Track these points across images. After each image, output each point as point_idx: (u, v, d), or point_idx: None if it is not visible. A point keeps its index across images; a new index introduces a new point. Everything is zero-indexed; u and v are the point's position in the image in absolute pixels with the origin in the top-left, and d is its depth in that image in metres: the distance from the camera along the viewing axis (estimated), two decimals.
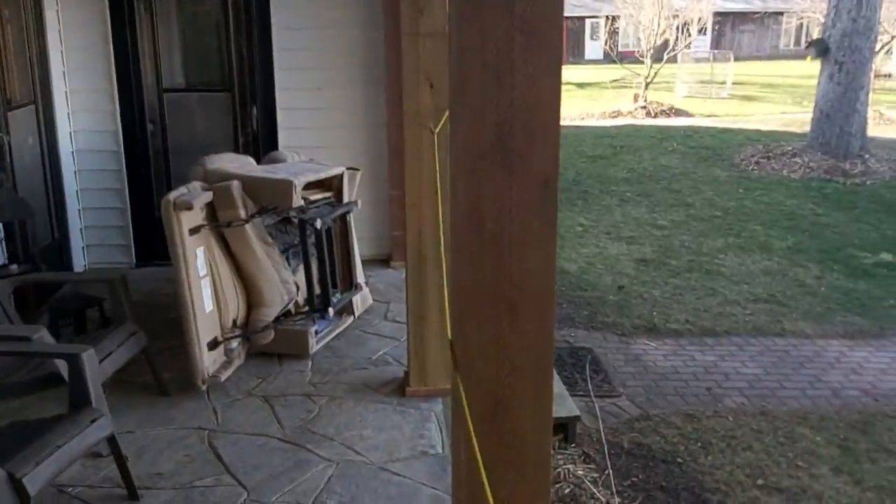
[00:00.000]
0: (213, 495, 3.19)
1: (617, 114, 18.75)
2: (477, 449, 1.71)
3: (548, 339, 1.70)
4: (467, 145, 1.62)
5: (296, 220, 4.71)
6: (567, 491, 3.73)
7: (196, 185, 4.29)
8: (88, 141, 6.14)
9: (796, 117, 17.58)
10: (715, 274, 7.28)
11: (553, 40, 1.52)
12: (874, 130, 14.35)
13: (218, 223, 4.31)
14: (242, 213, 4.30)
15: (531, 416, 1.72)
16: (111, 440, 3.09)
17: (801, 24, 33.55)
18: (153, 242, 6.24)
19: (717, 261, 7.69)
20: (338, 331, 4.91)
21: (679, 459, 4.15)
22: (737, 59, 25.75)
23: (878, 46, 15.30)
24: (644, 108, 18.79)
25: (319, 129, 6.23)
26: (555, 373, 5.00)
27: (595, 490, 3.71)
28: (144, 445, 3.58)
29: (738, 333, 5.94)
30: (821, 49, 12.68)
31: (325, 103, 6.20)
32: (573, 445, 4.20)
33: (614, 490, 3.75)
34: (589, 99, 21.88)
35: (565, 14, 2.40)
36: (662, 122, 17.50)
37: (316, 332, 4.65)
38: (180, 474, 3.34)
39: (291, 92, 6.20)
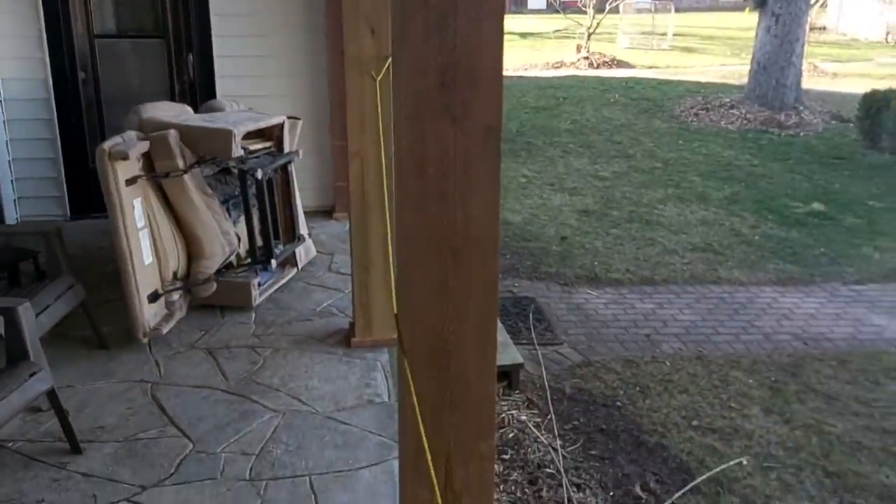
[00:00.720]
0: (157, 447, 3.17)
1: (560, 64, 18.75)
2: (423, 393, 1.74)
3: (491, 285, 1.72)
4: (409, 91, 1.60)
5: (236, 171, 4.63)
6: (511, 435, 3.81)
7: (131, 134, 4.17)
8: (17, 89, 5.89)
9: (734, 69, 17.84)
10: (654, 224, 7.42)
11: None
12: (808, 83, 14.68)
13: (155, 174, 4.20)
14: (180, 163, 4.20)
15: (475, 360, 1.75)
16: (51, 394, 3.04)
17: None
18: (88, 194, 6.07)
19: (656, 211, 7.84)
20: (281, 283, 4.88)
21: (618, 403, 4.27)
22: (677, 10, 25.91)
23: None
24: (587, 59, 18.82)
25: (258, 77, 6.09)
26: (499, 322, 5.06)
27: (538, 434, 3.80)
28: (85, 399, 3.53)
29: (675, 282, 6.09)
30: (758, 0, 12.84)
31: (265, 50, 6.06)
32: (517, 392, 4.28)
33: (556, 433, 3.85)
34: (532, 49, 21.81)
35: None
36: (605, 73, 17.57)
37: (259, 284, 4.61)
38: (123, 427, 3.31)
39: (229, 39, 6.03)
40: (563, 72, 17.85)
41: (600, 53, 19.33)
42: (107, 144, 3.88)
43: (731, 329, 5.28)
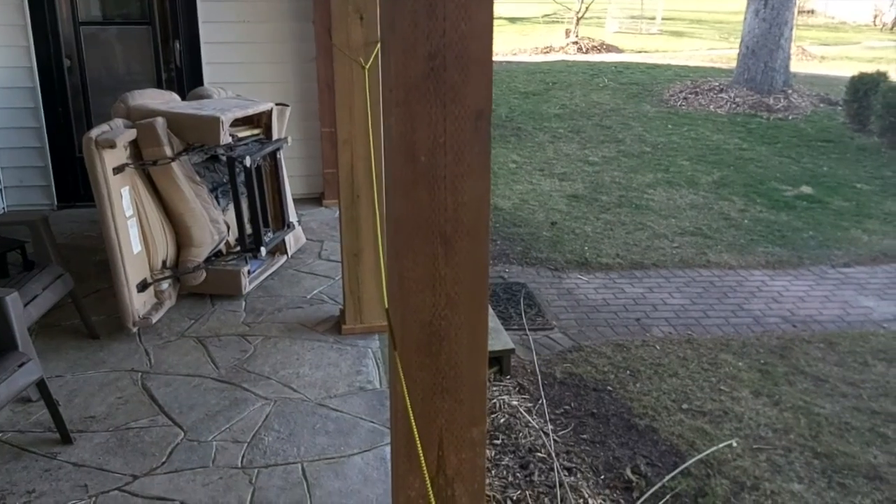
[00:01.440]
0: (148, 436, 3.16)
1: (549, 49, 18.70)
2: (414, 379, 1.74)
3: (482, 271, 1.72)
4: (399, 76, 1.59)
5: (224, 158, 4.60)
6: (503, 420, 3.82)
7: (118, 122, 4.14)
8: (1, 78, 5.83)
9: (723, 53, 17.85)
10: (644, 209, 7.44)
11: None
12: (797, 66, 14.69)
13: (143, 162, 4.18)
14: (168, 151, 4.18)
15: (467, 345, 1.75)
16: (41, 384, 3.03)
17: None
18: (75, 183, 6.03)
19: (646, 196, 7.85)
20: (271, 270, 4.86)
21: (609, 387, 4.29)
22: None
23: None
24: (576, 43, 18.77)
25: (246, 63, 6.05)
26: (490, 307, 5.06)
27: (529, 418, 3.82)
28: (75, 389, 3.52)
29: (665, 266, 6.11)
30: None
31: (252, 37, 6.01)
32: (508, 377, 4.30)
33: (548, 418, 3.87)
34: (520, 34, 21.74)
35: None
36: (594, 57, 17.53)
37: (248, 272, 4.59)
38: (114, 416, 3.30)
39: (216, 25, 5.98)
40: (551, 57, 17.80)
41: (589, 38, 19.29)
42: (94, 132, 3.85)
43: (720, 312, 5.31)
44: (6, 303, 2.99)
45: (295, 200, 5.41)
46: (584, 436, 3.84)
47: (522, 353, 4.57)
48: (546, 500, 3.22)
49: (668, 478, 3.44)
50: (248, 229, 4.59)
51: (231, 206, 4.62)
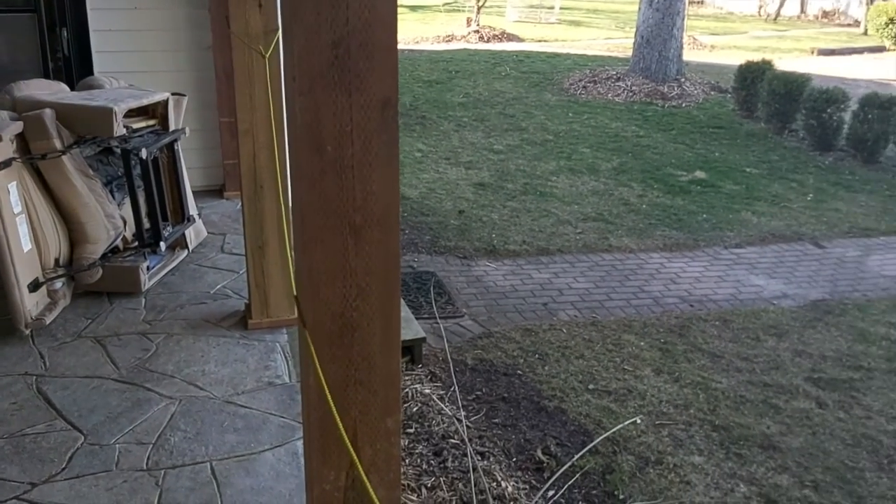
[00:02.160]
0: (46, 442, 3.02)
1: (450, 38, 18.77)
2: (326, 372, 1.72)
3: (393, 261, 1.71)
4: (303, 65, 1.56)
5: (118, 151, 4.42)
6: (416, 409, 3.84)
7: (3, 114, 3.91)
8: None
9: (619, 42, 18.36)
10: (548, 196, 7.58)
11: None
12: (689, 55, 15.26)
13: (31, 155, 3.96)
14: (58, 144, 3.97)
15: (379, 336, 1.74)
16: None
17: None
18: None
19: (550, 183, 8.00)
20: (171, 266, 4.71)
21: (519, 371, 4.37)
22: None
23: None
24: (477, 32, 18.92)
25: (139, 52, 5.81)
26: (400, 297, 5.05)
27: (442, 406, 3.84)
28: None
29: (570, 251, 6.26)
30: None
31: (144, 24, 5.78)
32: (420, 366, 4.31)
33: (460, 404, 3.90)
34: (422, 23, 21.74)
35: None
36: (495, 46, 17.71)
37: (148, 268, 4.43)
38: (8, 423, 3.13)
39: (105, 12, 5.72)
40: (453, 45, 17.88)
41: (490, 27, 19.47)
42: None
43: (622, 295, 5.48)
44: None
45: (195, 193, 5.25)
46: (496, 420, 3.90)
47: (434, 341, 4.59)
48: (460, 485, 3.26)
49: (576, 457, 3.53)
50: (146, 224, 4.43)
51: (127, 201, 4.44)
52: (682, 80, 13.05)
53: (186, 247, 4.92)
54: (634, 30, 13.76)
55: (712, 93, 12.75)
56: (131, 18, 5.75)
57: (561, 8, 23.81)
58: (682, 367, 4.48)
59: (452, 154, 8.99)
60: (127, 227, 4.47)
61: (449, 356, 4.34)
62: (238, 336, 3.94)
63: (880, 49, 18.96)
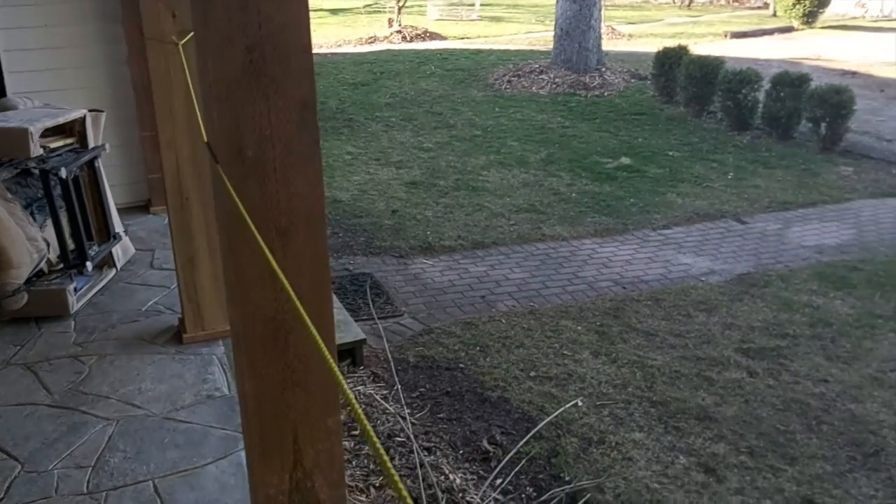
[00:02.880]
0: None
1: (373, 39, 18.73)
2: (263, 376, 1.72)
3: (322, 260, 1.72)
4: (218, 72, 1.56)
5: (37, 171, 4.30)
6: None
7: None
8: None
9: (540, 36, 18.60)
10: (480, 190, 7.65)
11: None
12: (608, 45, 15.56)
13: None
14: None
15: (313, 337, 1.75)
16: None
17: None
18: None
19: (481, 177, 8.07)
20: (100, 285, 4.61)
21: (461, 365, 4.41)
22: None
23: None
24: (399, 32, 18.92)
25: (53, 70, 5.65)
26: (337, 300, 5.05)
27: (386, 405, 3.86)
28: None
29: (504, 243, 6.33)
30: None
31: (57, 42, 5.62)
32: (362, 368, 4.31)
33: (404, 402, 3.92)
34: (343, 26, 21.62)
35: None
36: (418, 45, 17.75)
37: (75, 290, 4.33)
38: None
39: (15, 31, 5.54)
40: (376, 46, 17.85)
41: (412, 26, 19.49)
42: None
43: (558, 282, 5.58)
44: None
45: (119, 210, 5.14)
46: (441, 415, 3.93)
47: (374, 342, 4.60)
48: (408, 481, 3.28)
49: (521, 444, 3.59)
50: (71, 244, 4.32)
51: (49, 222, 4.33)
52: (603, 69, 13.31)
53: (114, 265, 4.82)
54: (554, 23, 13.97)
55: (632, 80, 13.03)
56: (43, 36, 5.58)
57: (481, 4, 23.99)
58: (618, 347, 4.59)
59: (382, 154, 8.99)
60: (51, 249, 4.35)
61: (390, 356, 4.36)
62: (173, 351, 3.88)
63: (789, 29, 19.67)
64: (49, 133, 4.37)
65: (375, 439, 1.00)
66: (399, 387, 4.08)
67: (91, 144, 4.69)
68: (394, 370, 4.26)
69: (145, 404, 3.40)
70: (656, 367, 4.35)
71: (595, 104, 11.62)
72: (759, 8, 24.83)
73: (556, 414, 3.82)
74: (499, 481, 3.36)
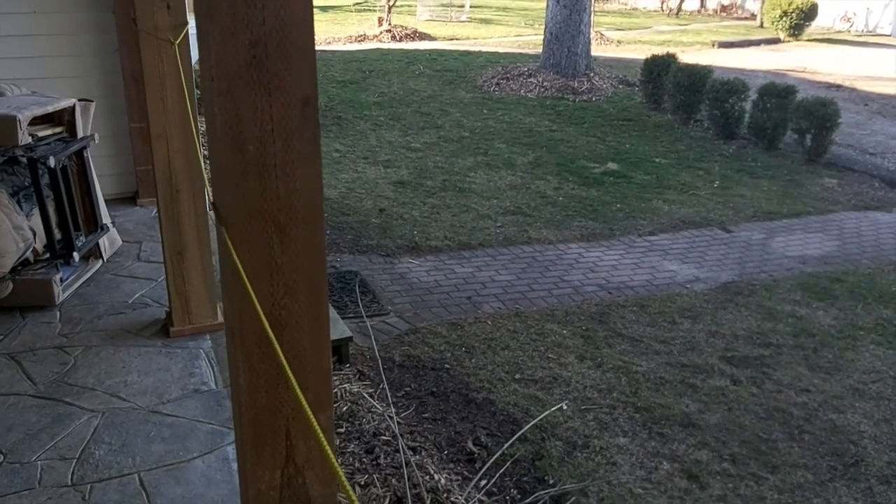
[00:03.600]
0: None
1: (363, 38, 18.71)
2: (257, 372, 1.72)
3: (320, 257, 1.72)
4: (221, 66, 1.56)
5: (24, 160, 4.26)
6: (345, 408, 3.84)
7: None
8: None
9: (530, 39, 18.66)
10: (467, 191, 7.67)
11: None
12: (597, 50, 15.64)
13: None
14: None
15: (309, 333, 1.75)
16: None
17: None
18: None
19: (468, 179, 8.09)
20: (86, 276, 4.57)
21: (447, 365, 4.42)
22: None
23: None
24: (389, 31, 18.91)
25: (42, 57, 5.60)
26: None
27: (372, 403, 3.86)
28: None
29: (491, 245, 6.35)
30: None
31: (47, 29, 5.57)
32: (348, 365, 4.31)
33: (390, 401, 3.92)
34: (333, 23, 21.59)
35: None
36: (407, 45, 17.75)
37: (61, 280, 4.29)
38: None
39: (2, 17, 5.49)
40: (366, 45, 17.83)
41: (402, 26, 19.50)
42: None
43: (543, 285, 5.60)
44: None
45: (107, 201, 5.11)
46: (426, 415, 3.94)
47: (360, 340, 4.60)
48: (393, 480, 3.28)
49: (506, 445, 3.60)
50: (57, 234, 4.29)
51: (36, 211, 4.29)
52: (592, 74, 13.37)
53: (101, 256, 4.78)
54: (543, 27, 14.01)
55: (620, 86, 13.10)
56: (30, 23, 5.53)
57: (471, 6, 24.02)
58: (603, 352, 4.61)
59: (370, 153, 8.99)
60: (37, 239, 4.31)
61: (377, 354, 4.36)
62: (160, 345, 3.86)
63: (776, 40, 19.86)
64: (37, 121, 4.34)
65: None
66: (385, 385, 4.08)
67: (80, 134, 4.66)
68: (380, 368, 4.26)
69: (131, 397, 3.38)
70: (641, 373, 4.38)
71: (583, 109, 11.67)
72: (746, 19, 25.04)
73: (541, 417, 3.84)
74: (483, 482, 3.37)
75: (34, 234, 4.28)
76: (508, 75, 13.47)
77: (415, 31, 19.31)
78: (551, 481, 3.43)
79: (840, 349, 4.77)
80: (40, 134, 4.36)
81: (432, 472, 3.39)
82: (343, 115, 10.81)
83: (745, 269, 6.03)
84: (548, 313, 5.13)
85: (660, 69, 11.28)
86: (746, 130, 9.83)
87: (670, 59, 11.28)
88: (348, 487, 1.10)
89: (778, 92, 9.37)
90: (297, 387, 1.76)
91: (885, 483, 3.54)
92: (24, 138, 4.01)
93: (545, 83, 12.89)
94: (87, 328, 4.01)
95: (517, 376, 4.31)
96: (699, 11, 27.18)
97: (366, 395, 3.90)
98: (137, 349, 3.81)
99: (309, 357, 1.78)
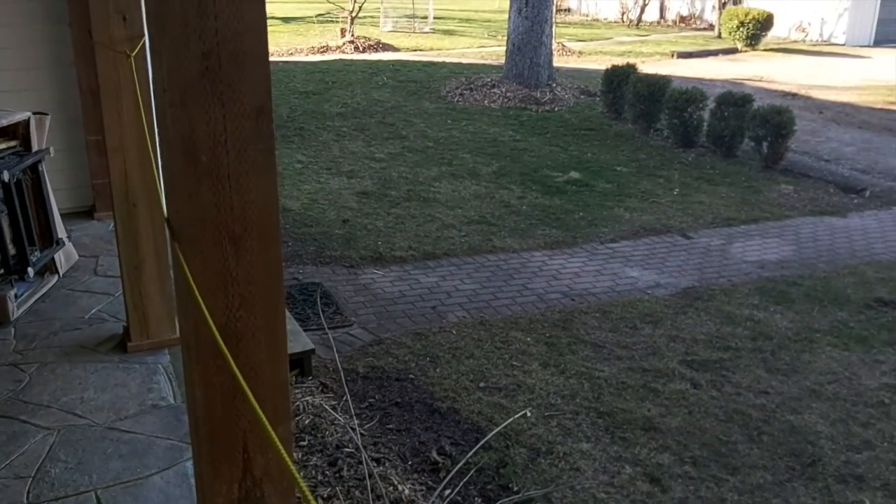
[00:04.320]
0: None
1: (325, 49, 18.67)
2: (213, 385, 1.70)
3: (276, 269, 1.71)
4: (173, 77, 1.55)
5: None
6: (308, 421, 3.81)
7: None
8: None
9: (492, 50, 18.77)
10: (432, 201, 7.68)
11: None
12: (559, 61, 15.79)
13: None
14: None
15: (265, 345, 1.74)
16: None
17: None
18: None
19: (432, 189, 8.10)
20: (41, 292, 4.49)
21: (411, 375, 4.41)
22: None
23: None
24: (352, 42, 18.90)
25: None
26: (286, 310, 4.99)
27: (335, 415, 3.83)
28: None
29: (455, 254, 6.36)
30: None
31: (0, 41, 5.48)
32: (311, 378, 4.28)
33: (353, 413, 3.90)
34: (296, 34, 21.51)
35: None
36: (371, 56, 17.75)
37: (16, 296, 4.21)
38: None
39: None
40: (329, 56, 17.79)
41: (365, 37, 19.49)
42: None
43: (508, 293, 5.62)
44: None
45: (63, 215, 5.03)
46: (390, 426, 3.92)
47: (323, 352, 4.57)
48: (357, 492, 3.26)
49: (470, 454, 3.60)
50: (12, 249, 4.21)
51: None
52: (554, 85, 13.48)
53: (57, 272, 4.71)
54: (506, 38, 14.11)
55: (582, 97, 13.23)
56: None
57: (434, 18, 24.12)
58: (567, 358, 4.64)
59: (333, 164, 8.96)
60: None
61: (339, 366, 4.34)
62: (117, 360, 3.80)
63: (733, 51, 20.21)
64: None
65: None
66: (348, 397, 4.06)
67: (35, 148, 4.59)
68: (343, 380, 4.24)
69: (88, 414, 3.32)
70: (603, 379, 4.41)
71: (546, 119, 11.77)
72: (704, 29, 25.45)
73: (504, 424, 3.85)
74: (448, 492, 3.37)
75: None
76: (472, 86, 13.53)
77: (378, 42, 19.32)
78: (515, 488, 3.44)
79: (797, 351, 4.85)
80: None
81: (396, 482, 3.38)
82: (305, 125, 10.77)
83: (705, 274, 6.11)
84: (512, 321, 5.15)
85: (620, 79, 11.41)
86: (705, 139, 9.99)
87: (630, 69, 11.42)
88: (311, 498, 1.10)
89: (735, 101, 9.53)
90: (253, 399, 1.75)
91: (842, 482, 3.61)
92: None
93: (508, 94, 12.97)
94: (42, 344, 3.94)
95: (481, 384, 4.32)
96: (659, 22, 27.59)
97: (328, 408, 3.88)
98: (94, 365, 3.75)
99: (266, 369, 1.77)
